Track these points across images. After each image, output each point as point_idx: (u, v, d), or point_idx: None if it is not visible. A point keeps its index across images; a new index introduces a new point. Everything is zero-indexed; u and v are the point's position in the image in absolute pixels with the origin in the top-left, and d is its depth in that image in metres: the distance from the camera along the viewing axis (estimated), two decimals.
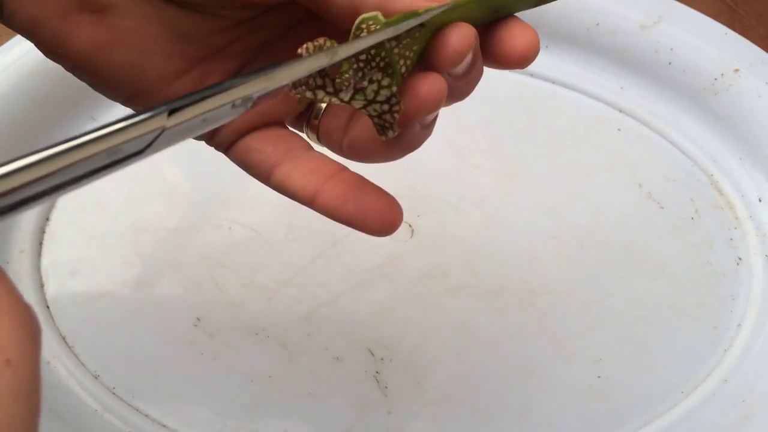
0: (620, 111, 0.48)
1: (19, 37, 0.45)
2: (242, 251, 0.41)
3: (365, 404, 0.36)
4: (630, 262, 0.42)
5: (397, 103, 0.23)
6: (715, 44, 0.47)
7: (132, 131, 0.18)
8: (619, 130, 0.47)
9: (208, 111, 0.20)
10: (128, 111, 0.22)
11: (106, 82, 0.25)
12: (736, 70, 0.46)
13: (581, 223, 0.43)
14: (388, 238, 0.42)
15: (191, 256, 0.41)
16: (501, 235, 0.42)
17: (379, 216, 0.26)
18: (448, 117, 0.48)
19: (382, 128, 0.24)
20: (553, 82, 0.49)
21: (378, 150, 0.25)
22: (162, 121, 0.19)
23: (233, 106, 0.20)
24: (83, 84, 0.26)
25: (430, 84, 0.22)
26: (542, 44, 0.50)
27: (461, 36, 0.22)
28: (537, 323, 0.39)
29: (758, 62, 0.46)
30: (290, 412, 0.36)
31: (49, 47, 0.24)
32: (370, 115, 0.23)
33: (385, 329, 0.39)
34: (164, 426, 0.35)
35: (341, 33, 0.22)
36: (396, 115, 0.23)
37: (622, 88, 0.49)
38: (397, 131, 0.23)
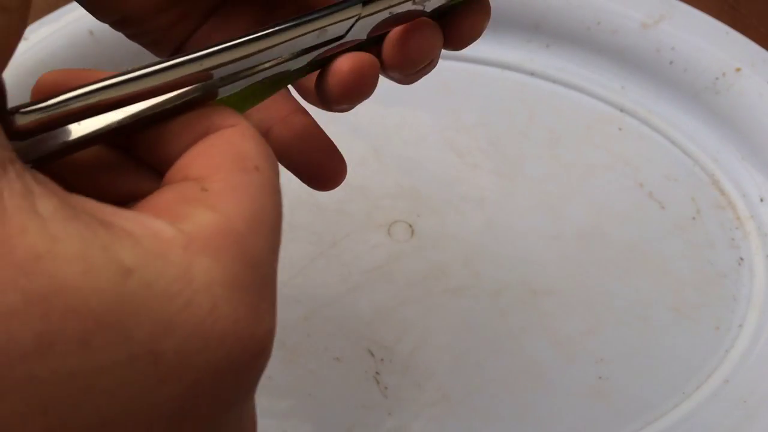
0: (621, 110, 0.48)
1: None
2: None
3: (365, 405, 0.36)
4: (631, 262, 0.42)
5: None
6: (717, 43, 0.47)
7: (335, 16, 0.22)
8: (620, 129, 0.47)
9: (395, 5, 0.23)
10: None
11: (93, 6, 0.26)
12: (738, 70, 0.46)
13: (582, 223, 0.43)
14: (388, 238, 0.42)
15: None
16: (501, 235, 0.42)
17: (320, 169, 0.27)
18: (448, 117, 0.48)
19: None
20: (554, 82, 0.49)
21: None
22: (358, 10, 0.23)
23: (414, 2, 0.23)
24: None
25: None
26: (543, 43, 0.50)
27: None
28: (537, 324, 0.39)
29: (760, 61, 0.46)
30: (290, 412, 0.36)
31: None
32: None
33: (385, 329, 0.39)
34: None
35: None
36: None
37: (623, 87, 0.49)
38: None
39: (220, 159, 0.18)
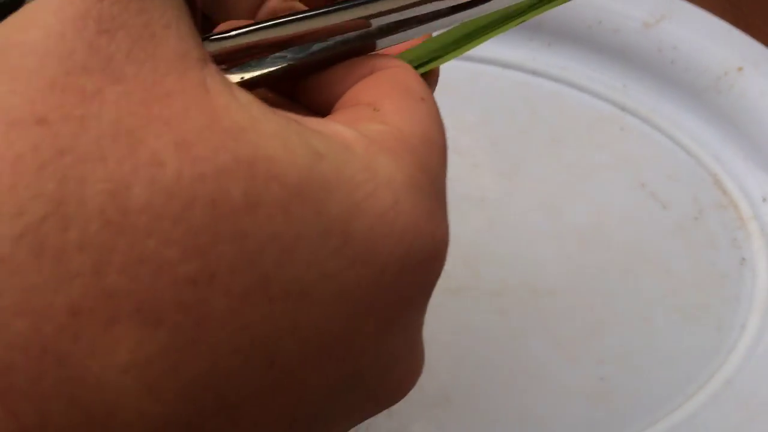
0: (623, 109, 0.48)
1: None
2: None
3: None
4: (632, 262, 0.41)
5: None
6: (719, 42, 0.47)
7: None
8: (621, 128, 0.47)
9: None
10: None
11: None
12: (740, 69, 0.46)
13: (583, 223, 0.43)
14: None
15: None
16: (502, 235, 0.42)
17: None
18: (448, 117, 0.48)
19: None
20: (555, 81, 0.49)
21: None
22: None
23: None
24: None
25: None
26: (544, 42, 0.50)
27: None
28: (538, 324, 0.39)
29: (762, 61, 0.46)
30: None
31: None
32: None
33: None
34: None
35: None
36: None
37: (624, 86, 0.48)
38: None
39: (389, 89, 0.20)
